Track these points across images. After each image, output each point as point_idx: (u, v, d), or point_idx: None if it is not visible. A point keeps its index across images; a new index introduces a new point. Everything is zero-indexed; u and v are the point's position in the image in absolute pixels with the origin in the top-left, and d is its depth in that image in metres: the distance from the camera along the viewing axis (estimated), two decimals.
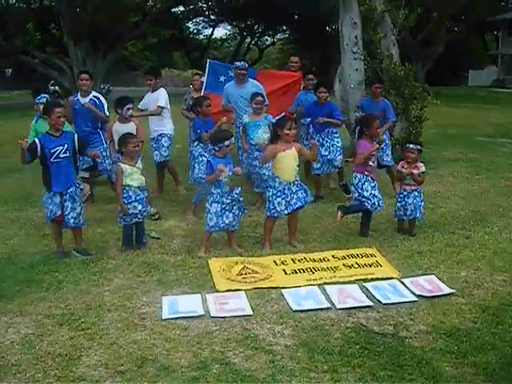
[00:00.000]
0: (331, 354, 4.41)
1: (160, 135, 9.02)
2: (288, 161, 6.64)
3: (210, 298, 5.37)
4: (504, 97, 32.18)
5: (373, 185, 7.12)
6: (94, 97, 8.79)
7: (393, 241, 7.01)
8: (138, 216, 6.66)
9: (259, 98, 8.17)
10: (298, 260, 6.37)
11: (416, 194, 7.19)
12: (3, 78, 42.93)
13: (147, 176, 7.14)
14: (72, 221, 6.44)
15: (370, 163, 7.11)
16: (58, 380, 4.12)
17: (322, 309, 5.17)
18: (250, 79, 9.05)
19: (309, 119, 9.12)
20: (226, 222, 6.60)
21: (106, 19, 26.92)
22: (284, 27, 48.32)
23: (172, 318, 5.00)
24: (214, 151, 6.73)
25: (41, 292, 5.59)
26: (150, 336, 4.71)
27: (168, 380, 4.10)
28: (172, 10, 40.84)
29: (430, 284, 5.66)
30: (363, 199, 7.08)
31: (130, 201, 6.57)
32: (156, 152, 9.09)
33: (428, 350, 4.48)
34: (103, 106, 8.80)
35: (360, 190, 7.10)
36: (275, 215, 6.72)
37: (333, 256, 6.47)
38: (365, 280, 5.82)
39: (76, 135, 6.65)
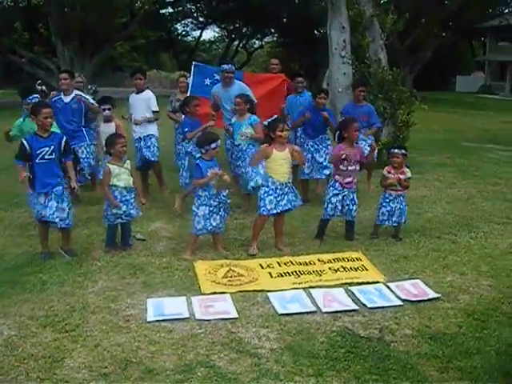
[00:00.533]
0: (316, 357, 4.41)
1: (148, 136, 8.96)
2: (281, 161, 6.63)
3: (195, 301, 5.35)
4: (491, 103, 32.46)
5: (336, 192, 7.01)
6: (77, 95, 8.78)
7: (379, 245, 7.02)
8: (122, 217, 6.62)
9: (238, 100, 8.11)
10: (284, 263, 6.35)
11: (401, 198, 7.20)
12: None
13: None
14: (59, 221, 6.39)
15: (342, 167, 7.00)
16: (41, 382, 4.08)
17: (307, 312, 5.16)
18: (236, 81, 9.03)
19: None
20: (214, 224, 6.58)
21: (95, 19, 26.78)
22: (272, 30, 48.42)
23: (157, 321, 4.96)
24: (200, 154, 6.72)
25: (24, 293, 5.53)
26: (135, 338, 4.68)
27: (152, 383, 4.07)
28: (161, 12, 40.79)
29: (415, 288, 5.67)
30: (324, 203, 7.12)
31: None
32: (145, 151, 8.93)
33: (413, 354, 4.48)
34: (88, 100, 8.83)
35: (326, 192, 7.16)
36: (265, 213, 6.71)
37: (319, 259, 6.46)
38: (350, 284, 5.81)
39: (64, 137, 6.61)
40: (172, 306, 5.25)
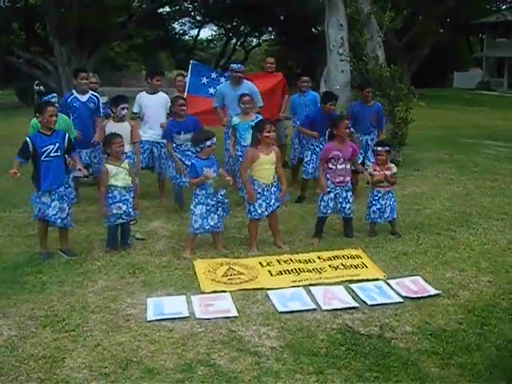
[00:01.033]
0: (317, 355, 4.40)
1: (160, 144, 8.68)
2: (267, 165, 6.63)
3: (195, 300, 5.34)
4: (489, 99, 32.44)
5: (327, 190, 6.99)
6: (93, 95, 8.81)
7: (378, 242, 7.02)
8: (123, 217, 6.61)
9: (246, 98, 8.12)
10: (284, 261, 6.35)
11: (390, 195, 7.21)
12: None
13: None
14: (59, 221, 6.40)
15: (330, 165, 6.98)
16: (42, 382, 4.07)
17: (307, 310, 5.16)
18: (245, 81, 8.99)
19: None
20: (211, 223, 6.57)
21: (93, 19, 26.73)
22: (270, 28, 48.41)
23: (157, 320, 4.96)
24: (196, 153, 6.70)
25: (24, 293, 5.53)
26: (135, 338, 4.67)
27: (153, 382, 4.06)
28: (158, 11, 40.74)
29: (415, 285, 5.67)
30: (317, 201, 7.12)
31: (114, 201, 6.51)
32: (156, 160, 8.77)
33: (414, 351, 4.48)
34: (100, 104, 8.83)
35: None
36: (256, 217, 6.71)
37: (318, 257, 6.45)
38: (350, 281, 5.81)
39: (67, 135, 6.60)
40: (172, 305, 5.24)
